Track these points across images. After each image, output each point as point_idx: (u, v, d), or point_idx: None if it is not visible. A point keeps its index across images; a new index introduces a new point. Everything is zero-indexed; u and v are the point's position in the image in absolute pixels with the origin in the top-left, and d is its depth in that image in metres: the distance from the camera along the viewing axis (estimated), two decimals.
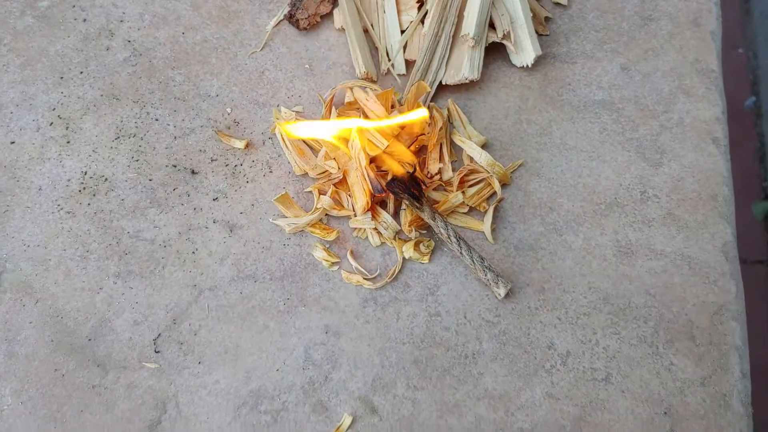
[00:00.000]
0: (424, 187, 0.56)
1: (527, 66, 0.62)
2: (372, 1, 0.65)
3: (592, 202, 0.58)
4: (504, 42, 0.62)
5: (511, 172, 0.59)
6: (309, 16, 0.64)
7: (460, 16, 0.62)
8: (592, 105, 0.62)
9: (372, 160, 0.56)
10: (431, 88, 0.61)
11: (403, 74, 0.63)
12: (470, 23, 0.60)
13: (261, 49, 0.64)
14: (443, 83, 0.61)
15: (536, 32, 0.63)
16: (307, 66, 0.64)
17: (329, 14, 0.66)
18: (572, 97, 0.62)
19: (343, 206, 0.58)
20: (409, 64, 0.63)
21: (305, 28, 0.64)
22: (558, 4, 0.66)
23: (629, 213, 0.57)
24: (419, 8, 0.64)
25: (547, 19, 0.65)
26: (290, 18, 0.65)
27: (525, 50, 0.62)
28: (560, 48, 0.64)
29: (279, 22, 0.66)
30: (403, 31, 0.64)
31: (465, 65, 0.60)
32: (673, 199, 0.58)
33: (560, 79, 0.63)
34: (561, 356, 0.53)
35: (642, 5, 0.66)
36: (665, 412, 0.51)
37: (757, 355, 0.63)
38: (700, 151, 0.59)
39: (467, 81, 0.60)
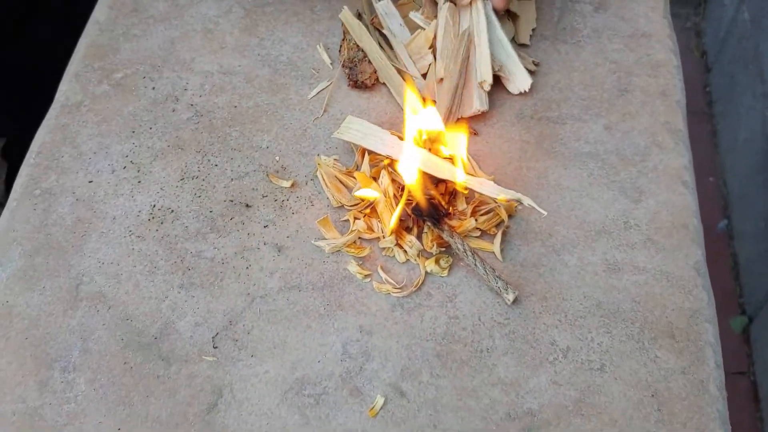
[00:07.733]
0: (443, 212, 0.67)
1: (525, 91, 0.77)
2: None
3: (584, 229, 0.69)
4: (499, 74, 0.77)
5: (515, 206, 0.70)
6: (369, 76, 0.77)
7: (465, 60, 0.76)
8: (580, 156, 0.74)
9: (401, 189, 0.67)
10: (453, 120, 0.75)
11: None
12: (485, 71, 0.75)
13: (322, 115, 0.77)
14: (460, 117, 0.75)
15: (527, 69, 0.78)
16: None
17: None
18: (564, 150, 0.74)
19: (373, 230, 0.68)
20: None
21: (372, 85, 0.79)
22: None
23: (615, 238, 0.68)
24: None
25: (535, 63, 0.80)
26: (355, 84, 0.79)
27: (520, 78, 0.77)
28: (552, 113, 0.77)
29: (319, 92, 0.79)
30: (423, 75, 0.78)
31: (475, 101, 0.75)
32: (652, 227, 0.68)
33: (553, 135, 0.75)
34: (562, 351, 0.62)
35: (619, 81, 0.79)
36: (652, 395, 0.59)
37: None
38: (672, 191, 0.71)
39: (479, 112, 0.75)
